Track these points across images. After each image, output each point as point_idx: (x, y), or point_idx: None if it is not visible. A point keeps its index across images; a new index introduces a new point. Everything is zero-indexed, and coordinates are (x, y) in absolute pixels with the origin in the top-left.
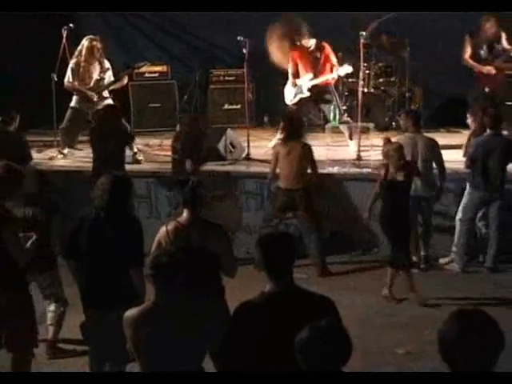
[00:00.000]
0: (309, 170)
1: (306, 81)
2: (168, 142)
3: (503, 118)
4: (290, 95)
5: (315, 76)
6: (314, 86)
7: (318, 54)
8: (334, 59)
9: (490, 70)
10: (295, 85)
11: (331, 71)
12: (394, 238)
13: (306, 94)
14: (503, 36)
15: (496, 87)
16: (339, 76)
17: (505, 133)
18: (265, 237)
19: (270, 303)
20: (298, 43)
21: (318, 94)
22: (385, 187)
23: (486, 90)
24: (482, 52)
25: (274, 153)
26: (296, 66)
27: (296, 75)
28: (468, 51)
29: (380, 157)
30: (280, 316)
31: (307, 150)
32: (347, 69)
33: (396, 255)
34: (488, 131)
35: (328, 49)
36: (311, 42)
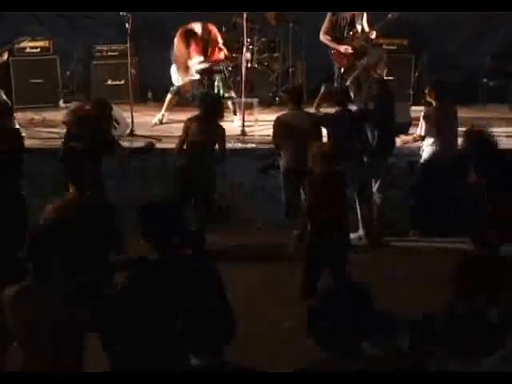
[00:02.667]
0: None
1: (196, 63)
2: (51, 118)
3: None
4: (177, 77)
5: (205, 58)
6: (203, 69)
7: (206, 36)
8: (220, 40)
9: (346, 49)
10: (183, 67)
11: (219, 52)
12: None
13: (196, 76)
14: (364, 16)
15: (349, 68)
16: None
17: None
18: (144, 206)
19: (152, 271)
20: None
21: (207, 73)
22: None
23: (342, 70)
24: (341, 29)
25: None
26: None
27: (180, 57)
28: (326, 28)
29: (264, 132)
30: (162, 283)
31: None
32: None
33: None
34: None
35: (214, 30)
36: (198, 27)
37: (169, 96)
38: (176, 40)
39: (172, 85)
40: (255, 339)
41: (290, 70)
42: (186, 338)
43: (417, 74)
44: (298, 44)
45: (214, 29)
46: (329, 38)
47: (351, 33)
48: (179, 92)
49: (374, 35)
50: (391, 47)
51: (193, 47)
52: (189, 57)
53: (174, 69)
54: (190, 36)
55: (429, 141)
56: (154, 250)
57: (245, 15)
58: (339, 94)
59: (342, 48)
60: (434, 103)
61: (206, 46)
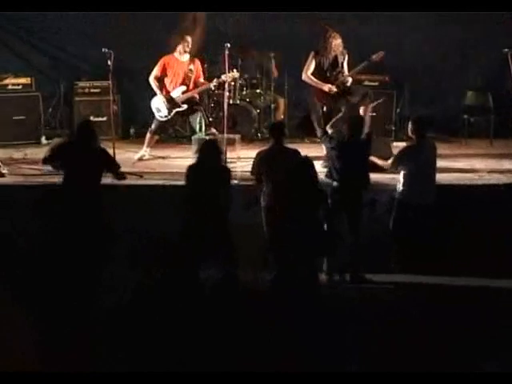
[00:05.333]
0: None
1: (180, 93)
2: (33, 156)
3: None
4: (165, 111)
5: (188, 89)
6: (187, 99)
7: (192, 67)
8: (202, 73)
9: (331, 88)
10: (168, 99)
11: (201, 84)
12: None
13: (184, 107)
14: (346, 58)
15: (331, 106)
16: (223, 81)
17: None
18: None
19: None
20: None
21: (190, 105)
22: None
23: (324, 109)
24: (325, 69)
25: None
26: (163, 75)
27: (163, 88)
28: (311, 68)
29: (246, 168)
30: None
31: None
32: (234, 74)
33: None
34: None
35: (198, 62)
36: (186, 57)
37: (148, 135)
38: (159, 69)
39: (152, 122)
40: None
41: (272, 105)
42: None
43: (398, 109)
44: (280, 80)
45: (197, 60)
46: (313, 77)
47: (334, 73)
48: (158, 130)
49: (349, 82)
50: (373, 83)
51: (176, 75)
52: (171, 87)
53: (158, 100)
54: (173, 65)
55: (405, 177)
56: None
57: (227, 52)
58: (274, 128)
59: (326, 87)
60: (414, 139)
61: (190, 76)
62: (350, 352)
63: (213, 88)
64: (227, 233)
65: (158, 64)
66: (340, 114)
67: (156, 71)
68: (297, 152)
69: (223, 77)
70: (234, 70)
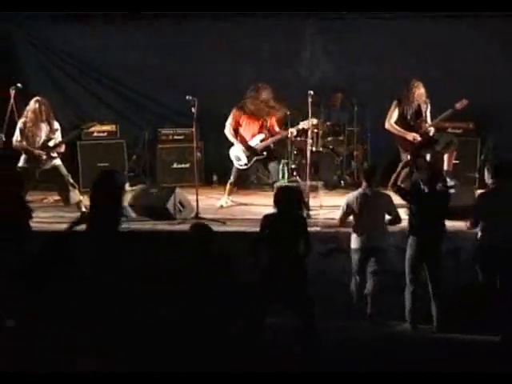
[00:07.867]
0: None
1: (258, 141)
2: None
3: None
4: (244, 159)
5: (265, 136)
6: (265, 147)
7: (267, 117)
8: (275, 123)
9: (415, 136)
10: (247, 147)
11: (276, 133)
12: None
13: (263, 155)
14: (429, 107)
15: (415, 155)
16: (302, 129)
17: None
18: None
19: None
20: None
21: (269, 153)
22: None
23: (409, 157)
24: (408, 118)
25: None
26: (237, 125)
27: (242, 138)
28: (394, 117)
29: (328, 215)
30: None
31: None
32: (312, 120)
33: None
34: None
35: (273, 120)
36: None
37: (228, 186)
38: (233, 120)
39: (231, 172)
40: None
41: (355, 153)
42: None
43: (482, 157)
44: (362, 127)
45: (273, 117)
46: (396, 126)
47: (418, 121)
48: (238, 180)
49: (431, 132)
50: (457, 131)
51: (251, 125)
52: (248, 135)
53: (237, 149)
54: (250, 114)
55: (483, 223)
56: None
57: (310, 99)
58: (367, 171)
59: (410, 136)
60: (490, 184)
61: (265, 124)
62: None
63: (289, 135)
64: (305, 282)
65: (232, 115)
66: (405, 170)
67: (230, 122)
68: (386, 194)
69: (301, 124)
70: (314, 118)
